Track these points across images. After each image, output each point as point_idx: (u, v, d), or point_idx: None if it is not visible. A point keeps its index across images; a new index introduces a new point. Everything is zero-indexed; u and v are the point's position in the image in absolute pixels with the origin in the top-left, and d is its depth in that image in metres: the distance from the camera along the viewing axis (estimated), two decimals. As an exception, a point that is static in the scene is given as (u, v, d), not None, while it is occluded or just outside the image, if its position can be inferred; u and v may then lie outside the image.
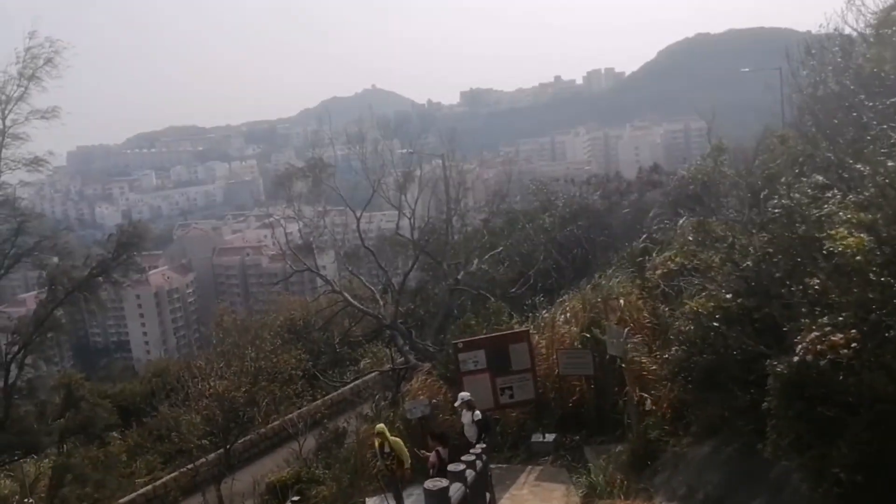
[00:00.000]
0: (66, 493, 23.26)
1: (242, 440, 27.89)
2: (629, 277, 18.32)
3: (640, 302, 16.67)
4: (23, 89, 21.58)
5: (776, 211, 8.14)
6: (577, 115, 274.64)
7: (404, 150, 30.43)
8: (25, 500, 22.68)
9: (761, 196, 10.03)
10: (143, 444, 31.78)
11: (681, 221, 20.27)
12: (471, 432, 14.97)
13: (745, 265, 8.72)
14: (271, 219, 28.23)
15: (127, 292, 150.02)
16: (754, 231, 8.92)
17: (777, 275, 8.10)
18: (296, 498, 18.24)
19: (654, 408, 14.45)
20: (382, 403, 22.00)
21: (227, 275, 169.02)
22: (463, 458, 15.03)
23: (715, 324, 9.71)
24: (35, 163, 21.74)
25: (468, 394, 15.48)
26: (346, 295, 27.05)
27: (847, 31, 12.31)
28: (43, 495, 23.72)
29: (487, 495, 13.09)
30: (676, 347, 10.59)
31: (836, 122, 9.79)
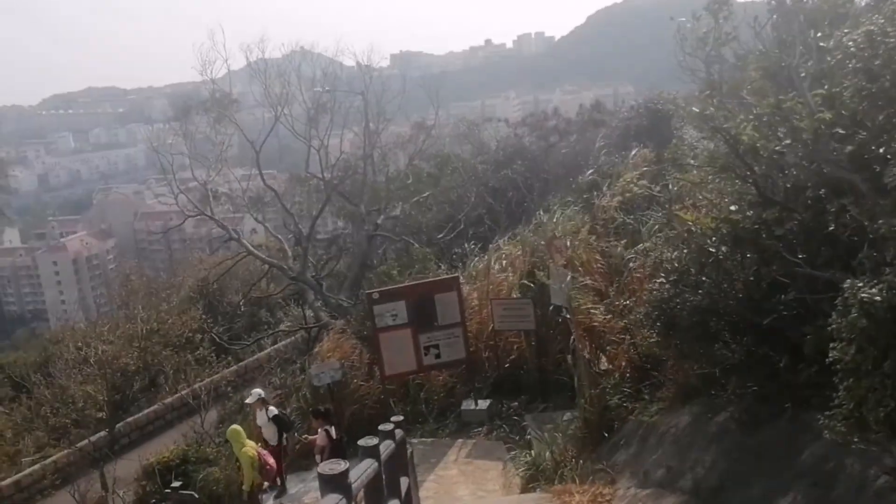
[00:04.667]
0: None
1: (137, 415, 24.79)
2: (577, 214, 15.47)
3: (591, 239, 13.81)
4: None
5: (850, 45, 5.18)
6: (508, 79, 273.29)
7: (319, 89, 26.91)
8: None
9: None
10: (35, 419, 28.47)
11: (633, 152, 17.57)
12: (269, 432, 13.24)
13: (780, 146, 5.77)
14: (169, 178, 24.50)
15: (42, 258, 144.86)
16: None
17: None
18: (177, 483, 14.97)
19: (610, 367, 11.74)
20: (290, 368, 18.89)
21: (150, 240, 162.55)
22: (380, 427, 12.38)
23: (714, 246, 6.87)
24: None
25: (260, 390, 13.95)
26: (245, 243, 23.79)
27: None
28: None
29: (405, 480, 10.23)
30: (660, 282, 7.72)
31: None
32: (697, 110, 6.52)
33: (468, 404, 14.56)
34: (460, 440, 13.76)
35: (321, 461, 10.33)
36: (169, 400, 25.09)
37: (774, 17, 6.76)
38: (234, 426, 12.73)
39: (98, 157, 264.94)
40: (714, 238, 7.03)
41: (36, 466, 22.92)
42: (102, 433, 23.04)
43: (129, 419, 24.56)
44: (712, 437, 8.05)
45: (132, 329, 23.66)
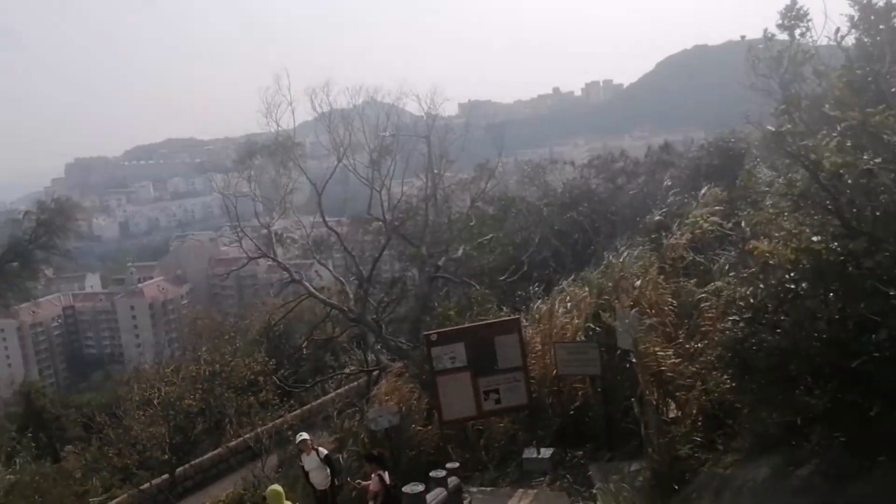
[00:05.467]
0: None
1: (200, 458, 24.72)
2: (645, 254, 14.83)
3: (659, 280, 13.14)
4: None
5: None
6: (576, 127, 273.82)
7: (385, 133, 26.99)
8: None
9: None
10: (101, 459, 28.84)
11: (703, 191, 16.88)
12: (320, 476, 13.09)
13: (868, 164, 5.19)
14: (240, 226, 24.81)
15: (121, 303, 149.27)
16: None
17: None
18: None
19: (680, 414, 10.99)
20: (349, 412, 18.53)
21: (222, 285, 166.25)
22: (432, 473, 11.90)
23: (794, 281, 6.25)
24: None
25: (306, 433, 13.85)
26: (306, 284, 23.69)
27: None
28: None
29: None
30: (733, 319, 7.09)
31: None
32: (773, 129, 5.99)
33: (530, 452, 13.90)
34: (521, 490, 13.11)
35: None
36: (232, 443, 24.96)
37: (859, 29, 6.21)
38: (275, 487, 12.23)
39: (176, 206, 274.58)
40: (793, 272, 6.42)
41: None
42: (165, 476, 23.04)
43: (193, 462, 24.48)
44: (795, 491, 7.30)
45: (195, 371, 23.79)
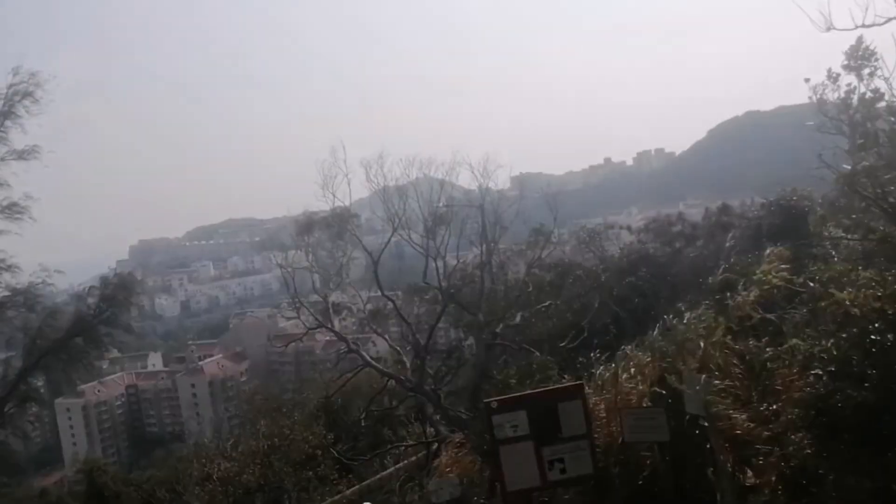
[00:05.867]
0: None
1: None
2: (709, 315, 14.35)
3: (726, 340, 12.65)
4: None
5: None
6: (629, 196, 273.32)
7: (439, 205, 27.15)
8: None
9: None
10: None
11: (767, 252, 16.40)
12: None
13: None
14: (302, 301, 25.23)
15: (181, 381, 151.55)
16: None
17: None
18: None
19: (758, 482, 10.40)
20: (407, 486, 18.11)
21: (282, 361, 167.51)
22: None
23: (879, 332, 5.87)
24: (10, 209, 19.24)
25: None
26: (363, 354, 23.52)
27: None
28: None
29: None
30: (815, 374, 6.68)
31: None
32: (847, 167, 5.71)
33: (598, 525, 13.29)
34: (591, 566, 12.49)
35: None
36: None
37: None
38: None
39: (235, 284, 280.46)
40: (879, 322, 6.03)
41: None
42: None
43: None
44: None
45: (254, 446, 23.70)
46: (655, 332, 16.94)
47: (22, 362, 19.34)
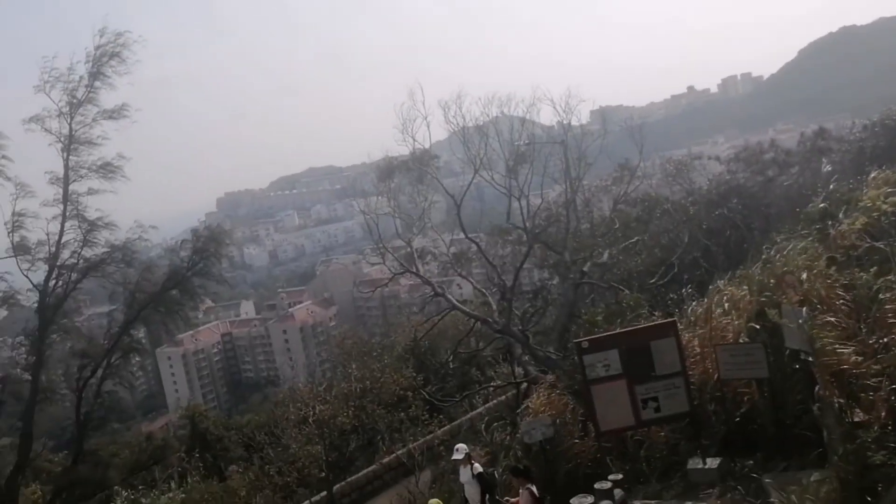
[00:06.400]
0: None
1: (356, 476, 25.07)
2: (810, 245, 13.68)
3: (830, 271, 12.03)
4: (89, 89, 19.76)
5: None
6: (714, 125, 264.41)
7: (520, 143, 26.57)
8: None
9: None
10: (263, 478, 30.01)
11: (871, 176, 15.47)
12: (472, 491, 12.84)
13: None
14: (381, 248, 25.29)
15: (273, 328, 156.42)
16: None
17: None
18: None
19: (867, 418, 9.93)
20: (499, 426, 18.17)
21: (368, 306, 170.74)
22: (596, 485, 11.36)
23: None
24: (105, 168, 19.83)
25: (465, 446, 13.56)
26: (450, 297, 23.53)
27: None
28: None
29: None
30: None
31: None
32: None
33: (695, 463, 13.03)
34: (688, 503, 12.30)
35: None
36: (385, 460, 25.21)
37: None
38: (433, 501, 12.26)
39: (319, 232, 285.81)
40: None
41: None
42: (323, 493, 23.47)
43: (349, 479, 24.84)
44: None
45: (347, 389, 24.24)
46: (750, 266, 16.36)
47: (123, 315, 20.17)
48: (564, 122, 26.59)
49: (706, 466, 12.85)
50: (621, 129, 30.18)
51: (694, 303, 16.50)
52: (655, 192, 30.04)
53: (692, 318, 15.53)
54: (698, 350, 14.31)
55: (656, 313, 17.05)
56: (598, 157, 26.41)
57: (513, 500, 12.03)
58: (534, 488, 11.40)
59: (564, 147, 24.64)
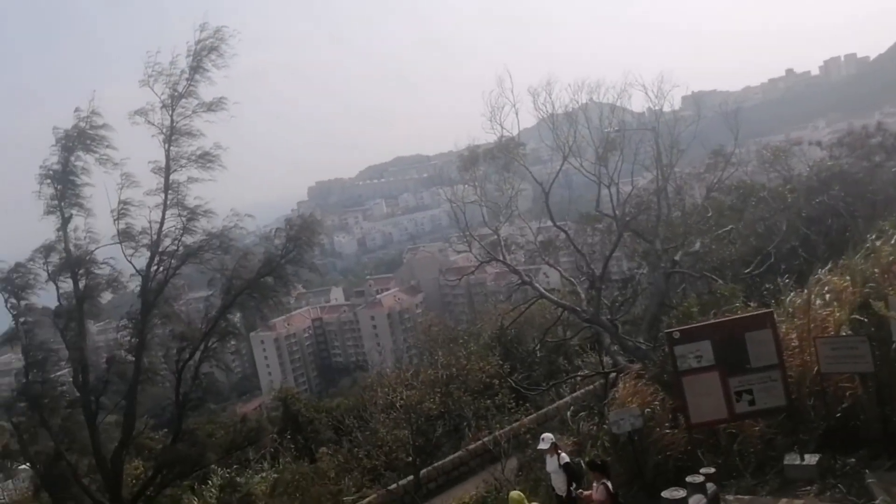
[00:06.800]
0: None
1: (443, 461, 25.26)
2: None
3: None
4: (189, 83, 20.45)
5: None
6: (815, 109, 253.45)
7: (610, 130, 26.11)
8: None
9: None
10: (352, 460, 30.63)
11: None
12: (558, 481, 12.81)
13: None
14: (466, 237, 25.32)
15: (362, 313, 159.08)
16: None
17: None
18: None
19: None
20: (587, 415, 17.97)
21: (454, 293, 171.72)
22: (688, 479, 11.11)
23: None
24: (203, 158, 20.45)
25: (551, 435, 13.51)
26: (538, 286, 23.30)
27: None
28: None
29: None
30: None
31: None
32: None
33: (792, 458, 12.60)
34: (785, 500, 11.97)
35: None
36: (471, 446, 25.28)
37: None
38: (515, 493, 12.18)
39: (406, 220, 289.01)
40: None
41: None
42: (410, 477, 23.74)
43: (435, 464, 25.05)
44: None
45: (433, 374, 24.39)
46: (853, 255, 15.66)
47: (220, 301, 20.78)
48: (656, 108, 25.95)
49: (804, 462, 12.44)
50: (715, 115, 29.30)
51: (792, 293, 15.92)
52: (751, 179, 29.05)
53: (790, 310, 15.02)
54: (796, 342, 13.84)
55: (752, 304, 16.52)
56: (691, 143, 25.68)
57: (586, 492, 11.89)
58: (609, 484, 11.29)
59: (656, 134, 24.04)
